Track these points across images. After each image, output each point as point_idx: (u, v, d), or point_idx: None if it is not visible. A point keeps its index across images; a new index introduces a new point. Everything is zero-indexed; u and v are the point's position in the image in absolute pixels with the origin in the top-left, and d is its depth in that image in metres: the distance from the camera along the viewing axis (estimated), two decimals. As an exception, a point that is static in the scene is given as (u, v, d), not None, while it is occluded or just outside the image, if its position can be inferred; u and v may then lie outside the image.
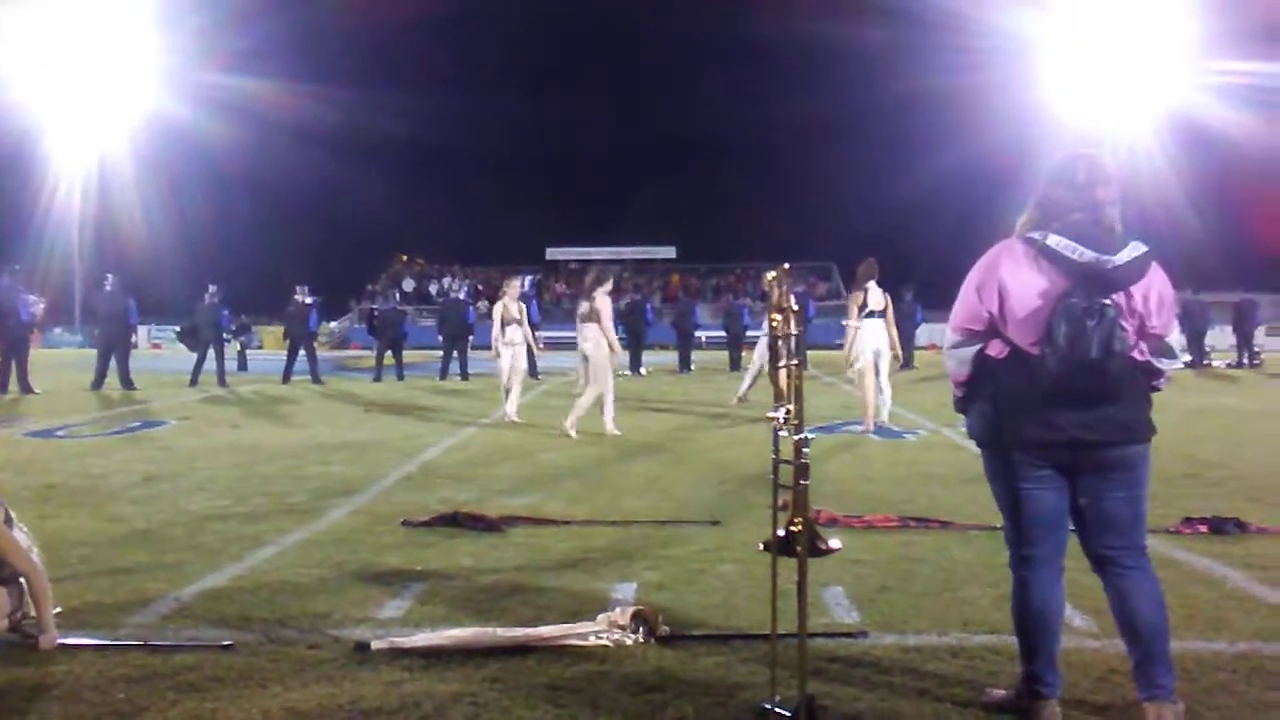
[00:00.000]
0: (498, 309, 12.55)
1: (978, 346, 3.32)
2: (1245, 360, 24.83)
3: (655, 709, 3.40)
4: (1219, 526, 5.81)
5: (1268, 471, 8.16)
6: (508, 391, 12.33)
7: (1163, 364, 3.23)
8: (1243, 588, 4.81)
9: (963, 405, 3.46)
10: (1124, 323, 3.12)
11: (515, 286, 12.91)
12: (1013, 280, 3.22)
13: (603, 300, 10.80)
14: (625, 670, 3.75)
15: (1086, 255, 3.13)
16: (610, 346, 10.69)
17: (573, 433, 10.59)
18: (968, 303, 3.31)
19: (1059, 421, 3.16)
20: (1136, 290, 3.17)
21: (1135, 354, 3.17)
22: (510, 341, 12.37)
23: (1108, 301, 3.10)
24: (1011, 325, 3.23)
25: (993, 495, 3.43)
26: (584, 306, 10.91)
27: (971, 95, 37.14)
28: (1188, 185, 34.27)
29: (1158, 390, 3.28)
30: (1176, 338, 3.29)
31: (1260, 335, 28.40)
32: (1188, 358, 22.16)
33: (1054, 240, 3.17)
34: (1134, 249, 3.16)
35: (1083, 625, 4.17)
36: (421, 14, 46.83)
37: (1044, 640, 3.32)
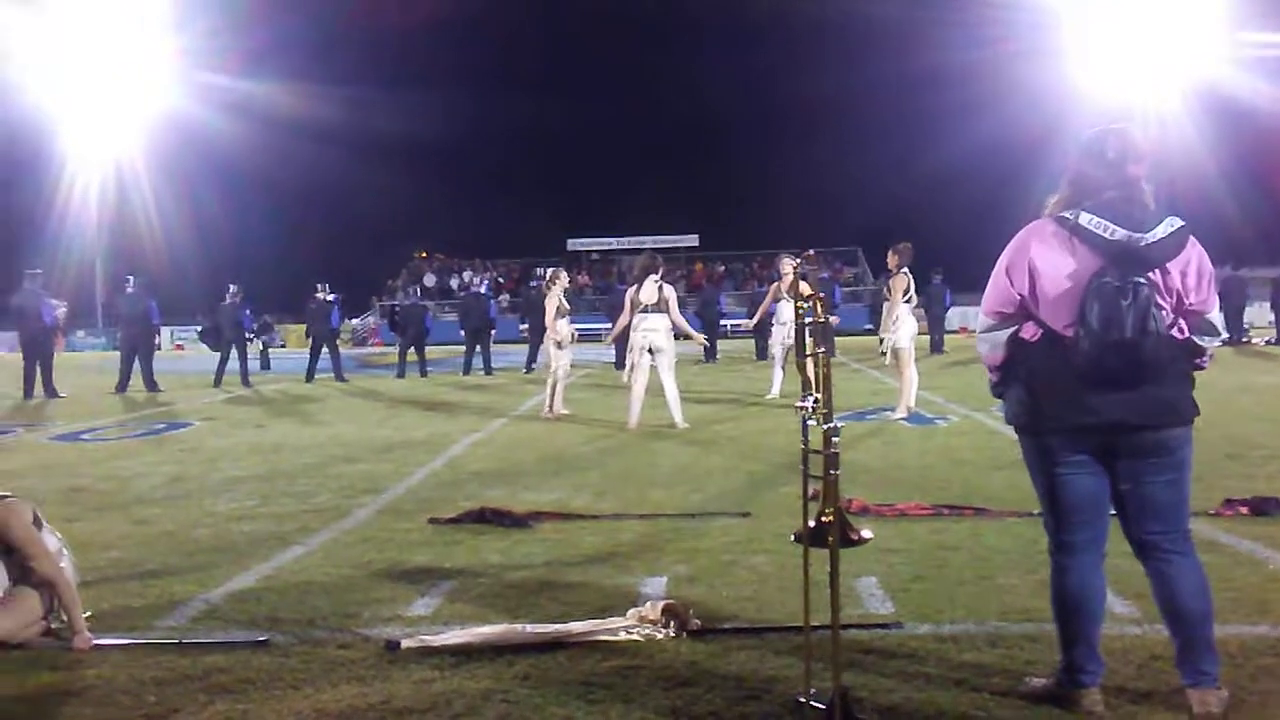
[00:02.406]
0: (553, 302, 12.27)
1: (1011, 330, 3.26)
2: (1226, 341, 24.47)
3: (688, 703, 3.35)
4: (1261, 507, 5.70)
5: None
6: (555, 385, 12.12)
7: (1204, 341, 3.15)
8: (1286, 570, 4.71)
9: (999, 390, 3.40)
10: (1160, 300, 3.04)
11: (564, 278, 12.81)
12: (1044, 261, 3.15)
13: (670, 289, 10.61)
14: (657, 665, 3.70)
15: (1119, 233, 3.06)
16: (687, 334, 10.51)
17: (683, 423, 10.47)
18: (999, 286, 3.25)
19: (1095, 404, 3.09)
20: (1173, 266, 3.10)
21: (1174, 332, 3.09)
22: (560, 334, 12.23)
23: (1142, 280, 3.02)
24: (1044, 307, 3.16)
25: (1031, 480, 3.37)
26: (647, 296, 10.46)
27: (995, 71, 36.72)
28: (1221, 160, 33.76)
29: (1201, 369, 3.20)
30: (1217, 315, 3.19)
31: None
32: (1226, 335, 21.89)
33: (1086, 219, 3.11)
34: (1169, 224, 3.09)
35: (1124, 611, 4.09)
36: (435, 9, 46.85)
37: (1084, 627, 3.25)
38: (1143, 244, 3.06)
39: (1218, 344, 3.26)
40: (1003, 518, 5.85)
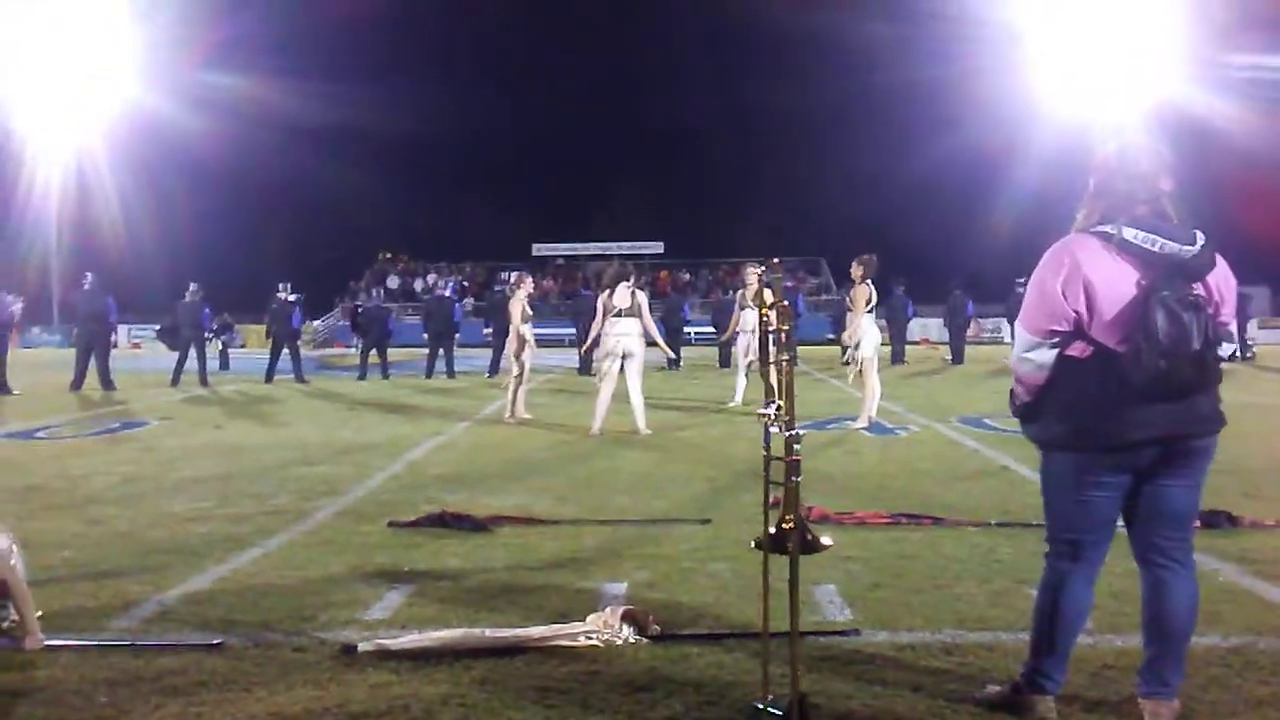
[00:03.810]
0: (518, 306, 12.28)
1: (1058, 348, 3.19)
2: (1239, 354, 24.95)
3: (646, 708, 3.36)
4: (1211, 520, 5.79)
5: (1263, 467, 8.15)
6: (516, 390, 12.11)
7: (1224, 351, 3.17)
8: (1235, 581, 4.80)
9: (1029, 410, 3.30)
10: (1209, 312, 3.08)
11: (529, 283, 12.87)
12: (1098, 277, 3.10)
13: (643, 295, 10.66)
14: (616, 670, 3.70)
15: (1169, 247, 3.06)
16: (655, 342, 10.55)
17: (646, 429, 10.50)
18: (1049, 302, 3.16)
19: (1147, 419, 3.06)
20: (1211, 279, 3.12)
21: None
22: (526, 339, 12.26)
23: (1200, 292, 3.05)
24: (1097, 324, 3.11)
25: (1045, 494, 3.33)
26: (620, 301, 10.47)
27: (961, 87, 37.21)
28: (1179, 178, 34.31)
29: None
30: (1235, 326, 3.24)
31: (1252, 328, 28.56)
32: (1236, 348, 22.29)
33: (1130, 233, 3.09)
34: (1200, 237, 3.11)
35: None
36: (404, 8, 46.67)
37: (1065, 639, 3.29)
38: (1188, 256, 3.07)
39: (1227, 355, 3.30)
40: (960, 527, 5.91)
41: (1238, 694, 3.45)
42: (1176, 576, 3.22)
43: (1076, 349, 3.16)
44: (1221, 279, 3.15)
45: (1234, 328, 3.24)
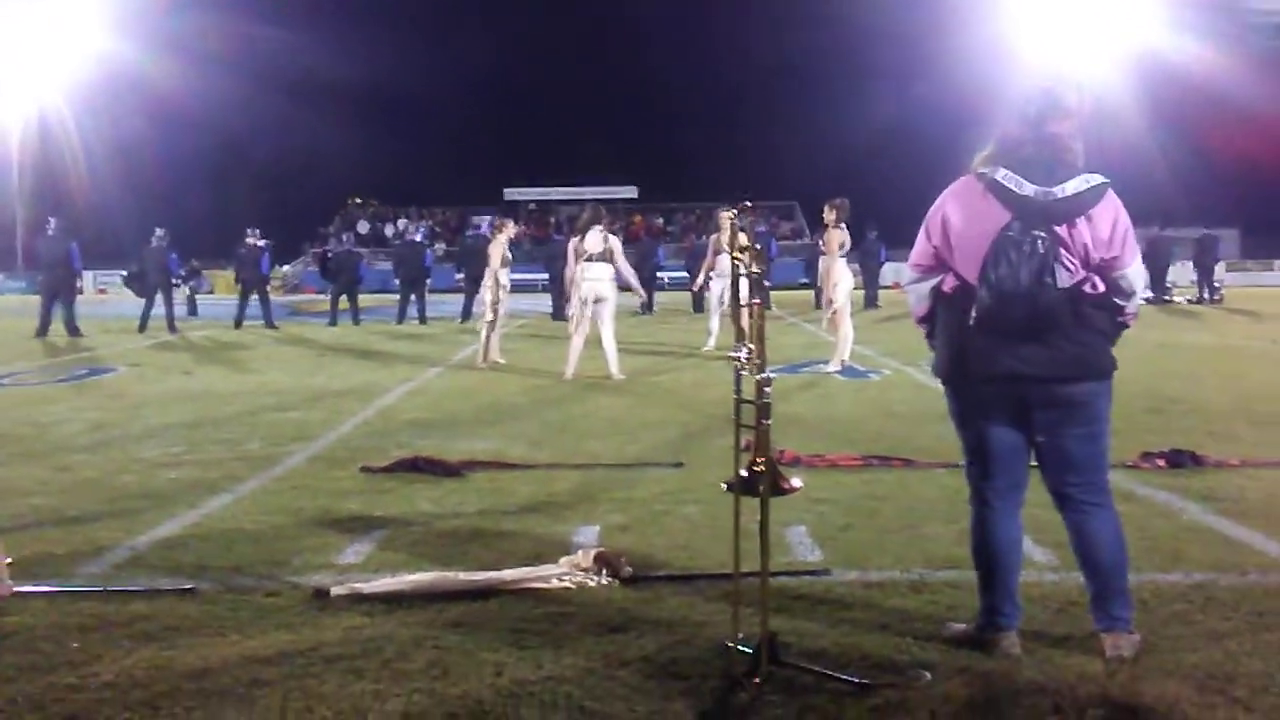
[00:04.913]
0: (498, 249, 12.22)
1: (933, 282, 3.34)
2: (1206, 296, 25.18)
3: (619, 649, 3.38)
4: (1176, 460, 5.88)
5: (1229, 407, 8.28)
6: (490, 334, 12.08)
7: (1121, 299, 3.20)
8: (1199, 520, 4.88)
9: (930, 342, 3.49)
10: (1067, 255, 3.09)
11: (511, 227, 12.82)
12: (957, 215, 3.24)
13: (615, 240, 10.62)
14: (589, 612, 3.73)
15: (1028, 188, 3.12)
16: (629, 285, 10.54)
17: (620, 374, 10.47)
18: (920, 239, 3.36)
19: (998, 356, 3.16)
20: (1083, 222, 3.13)
21: (1086, 288, 3.14)
22: (502, 283, 12.22)
23: (1042, 233, 3.07)
24: (957, 260, 3.24)
25: (954, 430, 3.45)
26: (593, 246, 10.42)
27: (933, 32, 36.95)
28: (1151, 121, 34.40)
29: (1124, 326, 3.27)
30: (1137, 272, 3.24)
31: (1220, 271, 28.80)
32: (1149, 294, 22.44)
33: (1001, 174, 3.17)
34: (1084, 181, 3.14)
35: (1043, 559, 4.21)
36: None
37: (1002, 574, 3.35)
38: (1052, 199, 3.11)
39: (1140, 302, 3.33)
40: (930, 469, 5.97)
41: (1199, 629, 3.51)
42: (1092, 518, 3.28)
43: (947, 284, 3.30)
44: (1100, 222, 3.14)
45: (1130, 273, 3.18)
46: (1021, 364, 3.15)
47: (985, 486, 3.36)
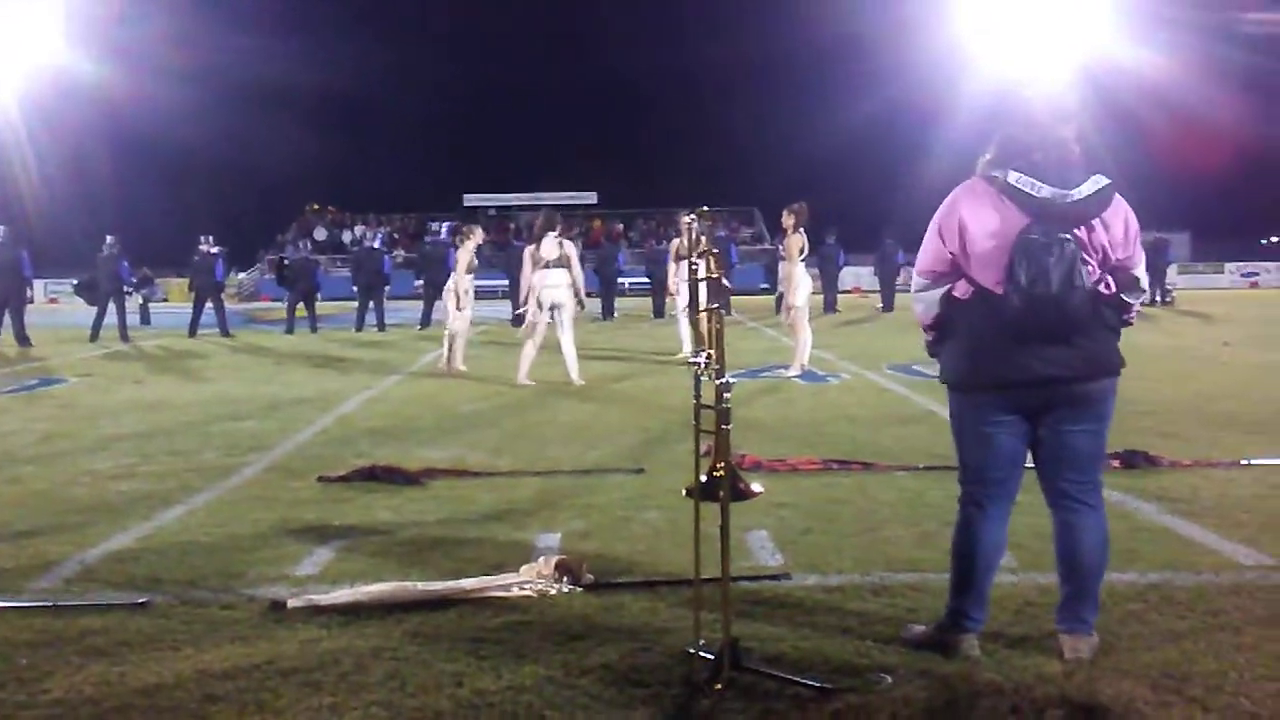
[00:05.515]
0: (465, 256, 12.19)
1: (945, 289, 3.31)
2: (1159, 299, 25.59)
3: (580, 656, 3.36)
4: (1130, 460, 5.96)
5: (1181, 408, 8.41)
6: (454, 341, 12.03)
7: (1130, 298, 3.24)
8: (1154, 520, 4.95)
9: (934, 349, 3.45)
10: (1086, 256, 3.12)
11: (479, 234, 12.80)
12: (973, 219, 3.21)
13: (571, 245, 10.59)
14: (549, 620, 3.70)
15: (1045, 190, 3.13)
16: (577, 294, 10.51)
17: (528, 381, 10.43)
18: (932, 245, 3.30)
19: (1026, 360, 3.16)
20: (1099, 223, 3.16)
21: (1101, 288, 3.18)
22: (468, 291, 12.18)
23: (1068, 235, 3.09)
24: (975, 264, 3.21)
25: (953, 435, 3.43)
26: (548, 252, 10.37)
27: (892, 39, 37.28)
28: (1101, 125, 34.90)
29: (1128, 324, 3.31)
30: (1143, 272, 3.30)
31: (1172, 274, 29.28)
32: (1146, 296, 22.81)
33: (1014, 177, 3.17)
34: (1095, 182, 3.17)
35: (1003, 561, 4.22)
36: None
37: (980, 578, 3.36)
38: (1069, 201, 3.13)
39: (1142, 301, 3.37)
40: (890, 472, 6.01)
41: (1155, 628, 3.55)
42: (1084, 518, 3.31)
43: (960, 290, 3.27)
44: (1114, 223, 3.19)
45: (1138, 272, 3.27)
46: (1050, 366, 3.15)
47: (981, 491, 3.35)
